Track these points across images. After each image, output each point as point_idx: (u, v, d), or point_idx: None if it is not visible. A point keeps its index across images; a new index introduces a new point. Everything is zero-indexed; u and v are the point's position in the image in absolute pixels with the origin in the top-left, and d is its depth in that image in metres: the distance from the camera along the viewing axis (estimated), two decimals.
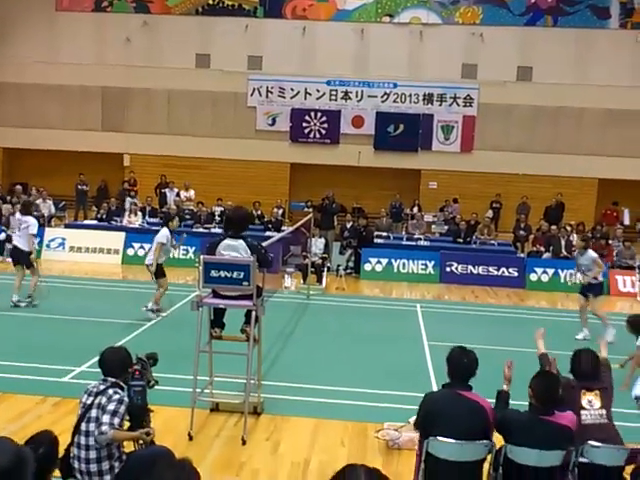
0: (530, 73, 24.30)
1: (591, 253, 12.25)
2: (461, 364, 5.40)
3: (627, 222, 22.34)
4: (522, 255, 18.46)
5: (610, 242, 18.33)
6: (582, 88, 23.46)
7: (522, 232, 20.09)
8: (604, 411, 5.62)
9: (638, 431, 6.88)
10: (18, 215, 12.94)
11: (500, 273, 16.93)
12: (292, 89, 24.77)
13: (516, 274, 16.91)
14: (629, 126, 23.49)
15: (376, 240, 18.23)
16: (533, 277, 16.93)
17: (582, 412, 5.58)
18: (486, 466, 5.42)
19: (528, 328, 12.46)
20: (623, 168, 23.09)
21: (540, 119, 23.90)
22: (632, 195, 23.02)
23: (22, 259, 12.29)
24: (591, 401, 5.61)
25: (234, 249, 7.06)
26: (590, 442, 5.31)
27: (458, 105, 24.30)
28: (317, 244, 16.10)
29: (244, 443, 6.88)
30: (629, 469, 5.43)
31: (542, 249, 18.25)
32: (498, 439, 5.33)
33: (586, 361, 5.77)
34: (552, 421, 5.20)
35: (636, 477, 5.27)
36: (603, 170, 23.43)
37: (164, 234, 12.03)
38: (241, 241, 7.10)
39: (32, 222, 12.31)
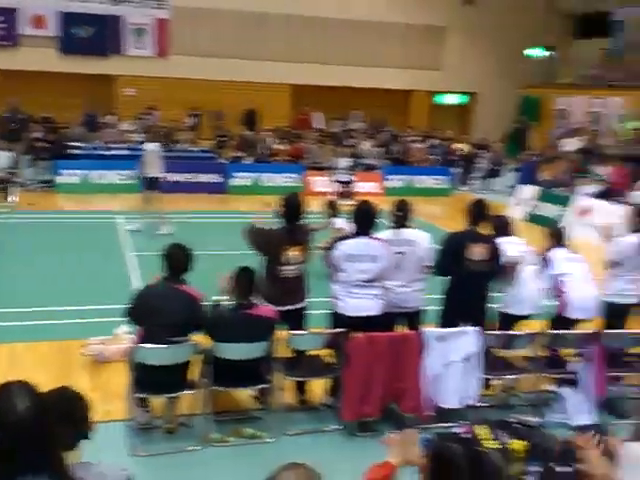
0: None
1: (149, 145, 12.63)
2: (177, 259, 5.41)
3: (320, 125, 23.68)
4: (223, 161, 18.67)
5: (303, 144, 19.28)
6: None
7: (221, 138, 20.24)
8: (297, 266, 5.98)
9: None
10: None
11: (203, 180, 17.00)
12: None
13: (219, 180, 17.11)
14: (321, 33, 24.54)
15: (70, 151, 17.04)
16: (235, 182, 17.29)
17: (283, 267, 5.87)
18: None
19: (233, 230, 12.81)
20: (317, 74, 24.18)
21: (236, 24, 23.85)
22: (325, 100, 24.30)
23: None
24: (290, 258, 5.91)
25: None
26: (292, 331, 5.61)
27: (150, 7, 23.24)
28: (1, 158, 14.60)
29: None
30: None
31: (242, 154, 18.63)
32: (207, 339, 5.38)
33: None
34: (253, 314, 5.36)
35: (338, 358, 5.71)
36: (297, 76, 24.32)
37: None
38: None
39: None
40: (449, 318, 5.97)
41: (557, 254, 6.53)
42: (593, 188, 15.09)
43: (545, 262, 6.49)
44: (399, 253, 5.93)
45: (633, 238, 6.53)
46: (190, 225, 13.05)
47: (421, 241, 6.07)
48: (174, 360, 5.24)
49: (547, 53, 25.71)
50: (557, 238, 6.70)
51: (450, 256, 5.98)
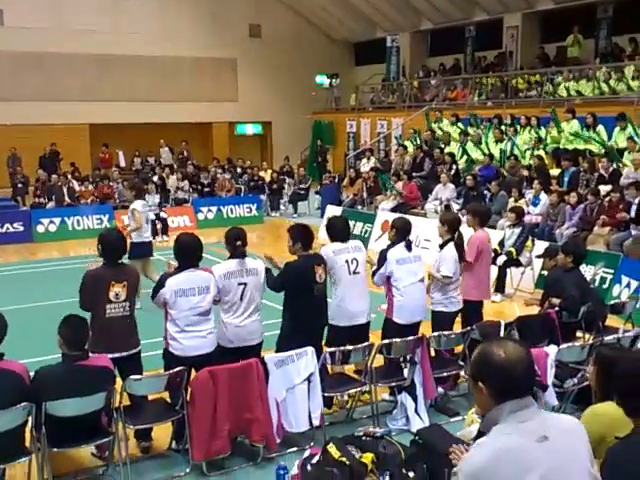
0: (0, 17, 22.79)
1: None
2: None
3: (123, 164, 23.04)
4: (25, 208, 17.60)
5: (111, 184, 18.60)
6: (63, 33, 22.95)
7: (20, 185, 19.09)
8: (123, 304, 5.67)
9: None
10: None
11: (4, 230, 15.83)
12: None
13: (22, 228, 16.03)
14: (116, 71, 24.00)
15: None
16: (40, 229, 16.27)
17: (107, 307, 5.60)
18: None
19: (44, 281, 11.97)
20: (113, 112, 23.56)
21: (21, 65, 22.68)
22: (123, 138, 23.73)
23: None
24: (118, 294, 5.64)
25: None
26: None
27: None
28: None
29: None
30: None
31: (45, 200, 17.68)
32: None
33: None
34: (88, 365, 5.05)
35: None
36: (93, 115, 23.57)
37: None
38: None
39: None
40: (290, 341, 5.95)
41: (393, 253, 6.58)
42: (390, 203, 16.01)
43: (381, 259, 6.57)
44: (242, 284, 5.90)
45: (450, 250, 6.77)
46: None
47: (261, 270, 6.08)
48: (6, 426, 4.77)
49: (332, 80, 27.04)
50: (402, 233, 6.65)
51: (297, 282, 6.06)
